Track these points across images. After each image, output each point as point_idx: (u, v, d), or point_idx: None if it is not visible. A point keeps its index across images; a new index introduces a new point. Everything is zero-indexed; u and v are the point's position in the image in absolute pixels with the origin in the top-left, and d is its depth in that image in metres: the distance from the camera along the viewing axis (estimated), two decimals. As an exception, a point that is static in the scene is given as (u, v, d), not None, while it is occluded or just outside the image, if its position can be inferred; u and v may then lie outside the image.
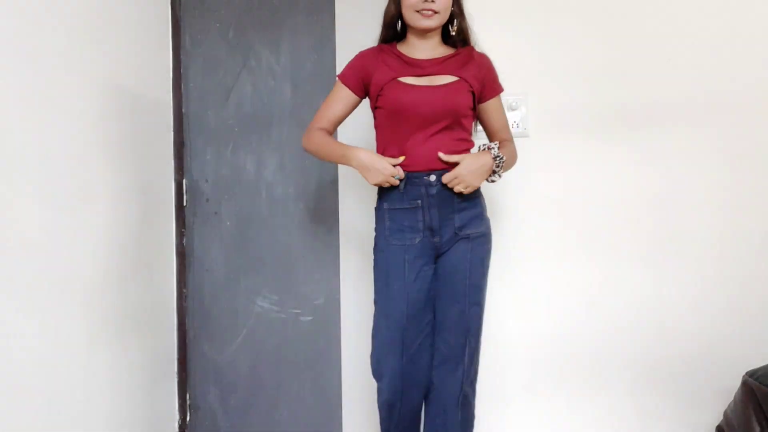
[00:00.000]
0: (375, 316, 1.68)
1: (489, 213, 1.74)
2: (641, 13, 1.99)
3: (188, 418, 2.37)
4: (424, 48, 1.66)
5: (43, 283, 1.60)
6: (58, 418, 1.65)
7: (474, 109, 1.69)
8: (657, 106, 1.98)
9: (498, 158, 1.60)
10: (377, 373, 1.65)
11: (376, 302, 1.68)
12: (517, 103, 2.02)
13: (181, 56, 2.35)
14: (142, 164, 2.11)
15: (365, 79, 1.67)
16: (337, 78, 1.73)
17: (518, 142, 2.02)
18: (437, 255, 1.66)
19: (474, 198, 1.66)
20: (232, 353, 2.36)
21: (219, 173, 2.36)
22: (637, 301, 2.00)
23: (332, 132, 1.74)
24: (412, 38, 1.67)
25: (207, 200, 2.37)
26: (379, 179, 1.58)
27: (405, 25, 1.68)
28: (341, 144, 1.68)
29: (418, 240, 1.63)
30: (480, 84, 1.67)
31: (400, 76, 1.62)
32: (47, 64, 1.63)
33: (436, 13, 1.59)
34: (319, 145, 1.68)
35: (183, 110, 2.36)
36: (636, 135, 1.99)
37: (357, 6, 2.17)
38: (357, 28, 2.13)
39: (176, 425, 2.33)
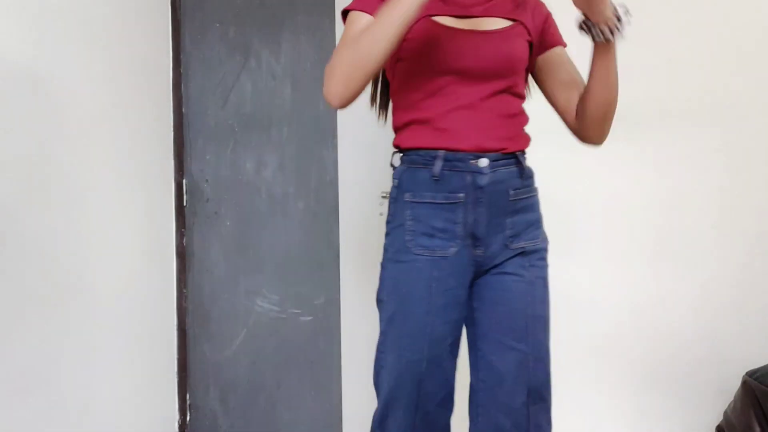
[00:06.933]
0: (380, 350, 1.23)
1: None
2: (641, 13, 1.99)
3: (188, 418, 2.37)
4: None
5: (43, 283, 1.60)
6: (58, 418, 1.65)
7: (527, 67, 1.26)
8: (657, 106, 1.98)
9: (626, 12, 1.18)
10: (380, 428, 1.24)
11: (383, 332, 1.23)
12: (517, 103, 2.02)
13: (181, 56, 2.35)
14: (142, 164, 2.11)
15: None
16: (346, 11, 1.20)
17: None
18: (476, 274, 1.22)
19: (532, 195, 1.27)
20: (232, 353, 2.36)
21: (219, 173, 2.36)
22: (638, 301, 2.00)
23: None
24: None
25: (207, 200, 2.37)
26: None
27: None
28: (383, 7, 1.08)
29: (453, 250, 1.18)
30: (538, 31, 1.25)
31: (435, 15, 1.17)
32: (46, 64, 1.63)
33: None
34: (358, 48, 1.07)
35: (183, 110, 2.36)
36: (636, 135, 1.98)
37: (357, 6, 2.16)
38: (357, 28, 2.12)
39: (176, 425, 2.33)
